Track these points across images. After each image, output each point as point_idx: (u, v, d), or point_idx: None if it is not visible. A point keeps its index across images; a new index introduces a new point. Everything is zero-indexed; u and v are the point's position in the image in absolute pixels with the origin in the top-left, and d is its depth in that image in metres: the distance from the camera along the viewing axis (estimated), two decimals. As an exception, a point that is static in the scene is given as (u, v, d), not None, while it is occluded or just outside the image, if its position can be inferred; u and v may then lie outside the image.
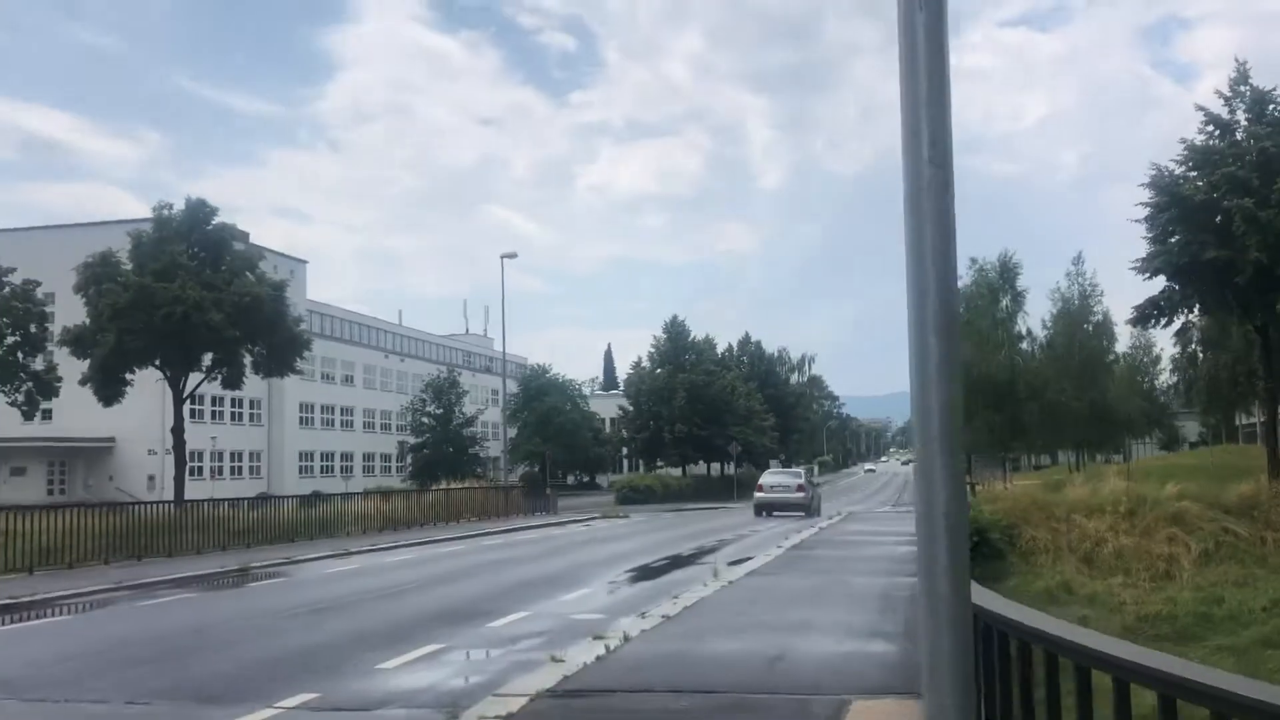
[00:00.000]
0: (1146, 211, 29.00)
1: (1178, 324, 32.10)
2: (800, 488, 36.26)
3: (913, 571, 12.66)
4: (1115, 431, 57.39)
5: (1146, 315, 30.14)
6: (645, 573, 17.20)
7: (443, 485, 42.28)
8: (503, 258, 41.55)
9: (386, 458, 78.77)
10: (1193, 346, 44.38)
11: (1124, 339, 57.60)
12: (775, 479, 38.28)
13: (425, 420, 68.16)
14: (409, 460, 68.30)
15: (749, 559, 17.17)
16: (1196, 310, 28.58)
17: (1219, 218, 26.97)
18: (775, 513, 34.63)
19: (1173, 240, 27.90)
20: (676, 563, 18.43)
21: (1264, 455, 44.90)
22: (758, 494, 36.75)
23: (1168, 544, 25.91)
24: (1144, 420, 62.58)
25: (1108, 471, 36.30)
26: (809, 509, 35.20)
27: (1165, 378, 74.44)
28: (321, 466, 71.96)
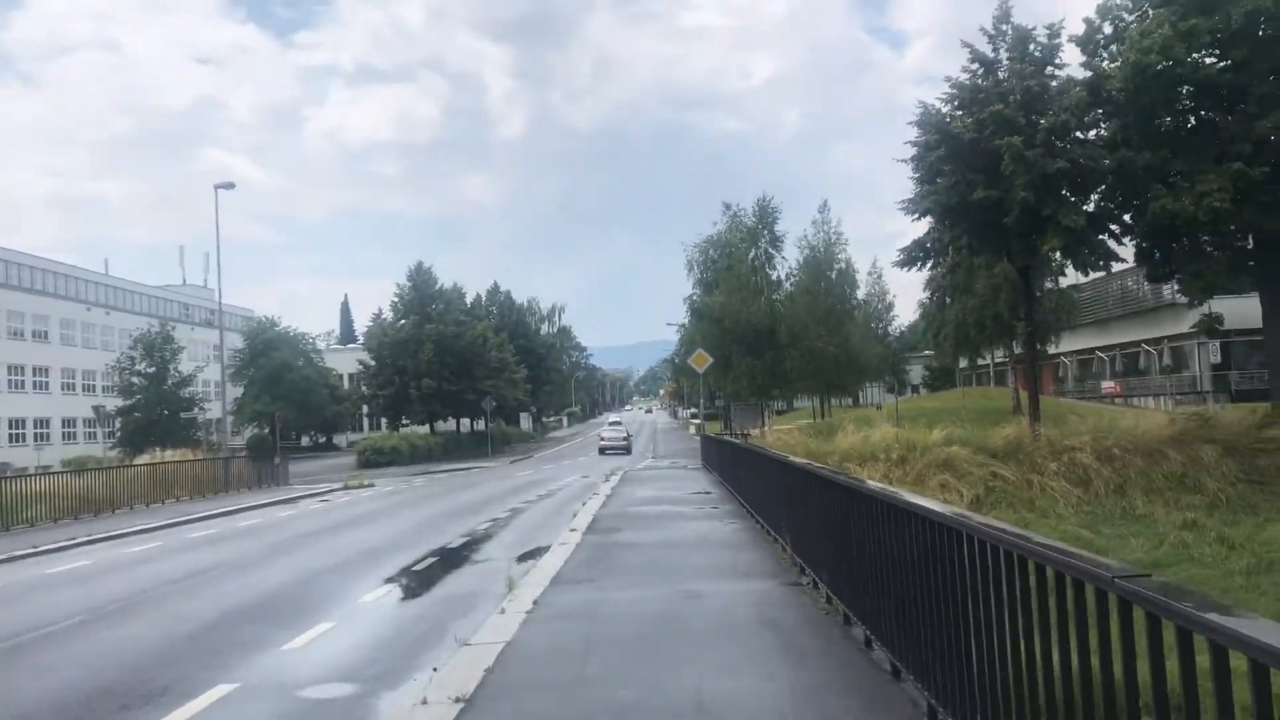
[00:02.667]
0: (914, 151, 28.22)
1: (944, 265, 31.54)
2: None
3: (774, 571, 9.95)
4: (859, 376, 58.76)
5: (913, 257, 29.48)
6: (407, 584, 12.58)
7: (155, 455, 36.89)
8: (217, 188, 35.96)
9: (90, 423, 70.30)
10: (938, 294, 45.16)
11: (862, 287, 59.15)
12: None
13: (135, 380, 60.67)
14: (116, 425, 60.68)
15: (540, 550, 13.24)
16: (965, 251, 28.01)
17: (986, 158, 26.41)
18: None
19: (941, 180, 27.16)
20: (446, 561, 14.10)
21: (1006, 396, 47.03)
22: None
23: (941, 491, 25.28)
24: (882, 365, 64.58)
25: (865, 417, 36.11)
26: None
27: (897, 323, 77.82)
28: (10, 435, 63.01)
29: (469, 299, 77.55)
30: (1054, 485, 25.05)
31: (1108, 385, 55.44)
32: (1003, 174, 25.76)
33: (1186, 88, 26.59)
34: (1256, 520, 23.12)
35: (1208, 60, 26.33)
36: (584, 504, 17.60)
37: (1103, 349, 56.66)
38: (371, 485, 31.69)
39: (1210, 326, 27.58)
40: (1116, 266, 30.95)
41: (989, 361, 63.04)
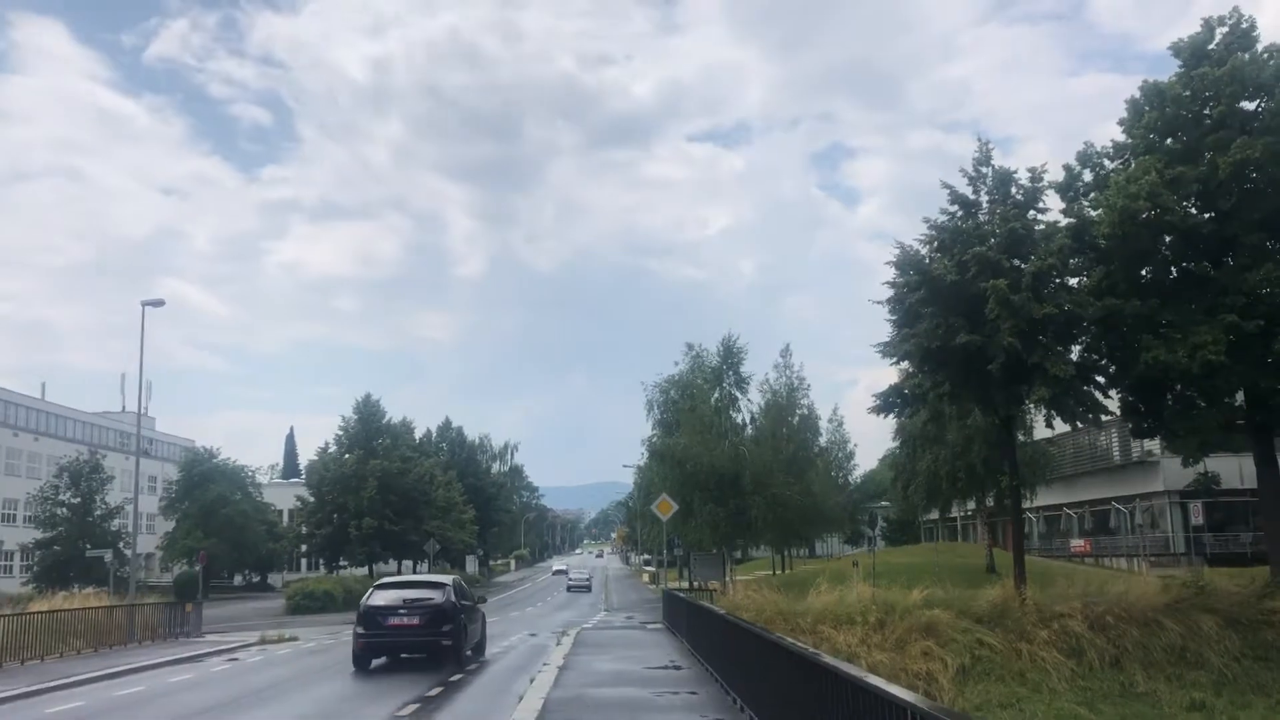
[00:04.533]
0: (891, 292, 26.91)
1: (923, 413, 29.90)
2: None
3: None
4: (821, 526, 56.67)
5: (890, 403, 27.85)
6: None
7: (72, 594, 33.61)
8: (145, 304, 33.33)
9: (9, 555, 65.91)
10: (908, 443, 43.64)
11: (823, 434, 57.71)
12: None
13: (58, 511, 56.97)
14: (35, 560, 56.66)
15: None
16: (946, 398, 26.44)
17: (968, 301, 25.11)
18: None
19: (921, 323, 25.77)
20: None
21: (979, 553, 45.04)
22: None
23: (924, 660, 23.04)
24: (842, 515, 62.66)
25: (838, 572, 33.89)
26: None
27: (858, 473, 76.32)
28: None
29: (419, 434, 74.98)
30: (1045, 655, 22.95)
31: (1076, 544, 53.72)
32: (986, 318, 24.39)
33: (1172, 237, 25.70)
34: (1269, 703, 21.18)
35: (1193, 210, 25.52)
36: (531, 681, 14.75)
37: (1071, 506, 55.16)
38: (294, 640, 28.22)
39: (1207, 485, 25.99)
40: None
41: (956, 515, 61.28)
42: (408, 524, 55.05)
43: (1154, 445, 47.35)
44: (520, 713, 10.94)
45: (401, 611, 18.90)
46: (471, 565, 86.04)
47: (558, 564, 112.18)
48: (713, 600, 25.72)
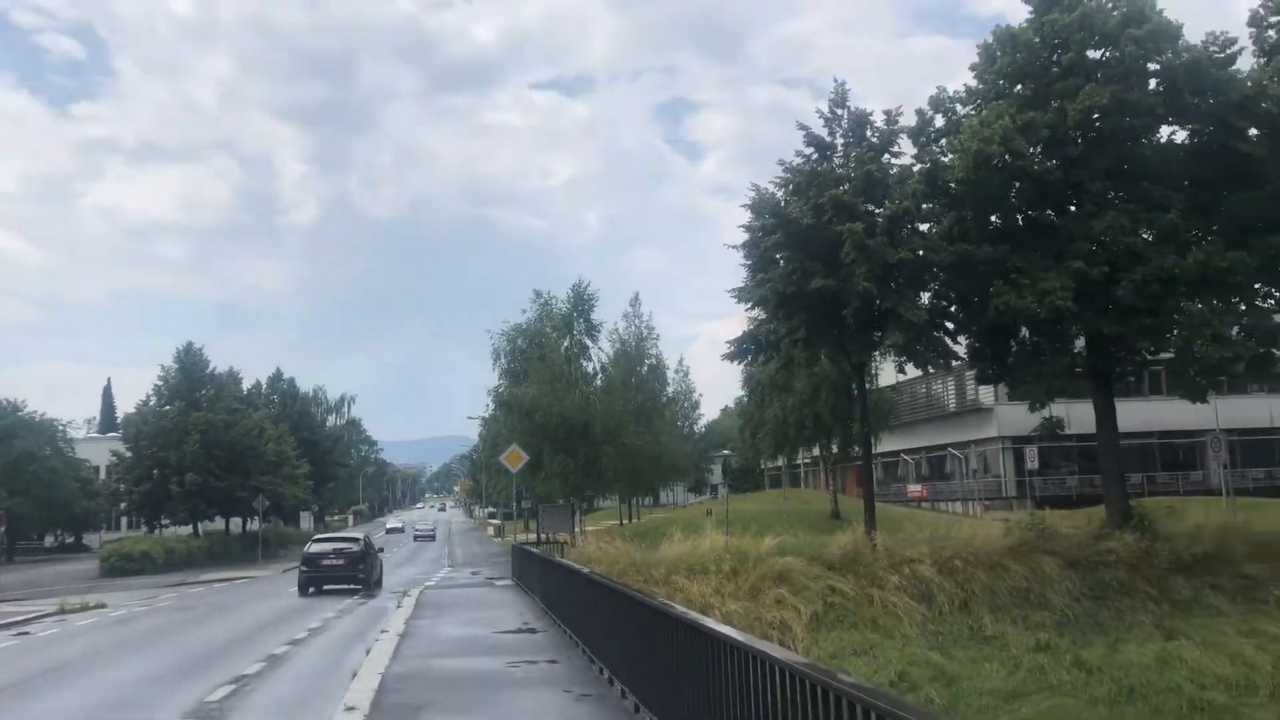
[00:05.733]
0: (746, 236, 26.19)
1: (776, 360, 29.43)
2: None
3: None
4: (668, 475, 56.58)
5: (745, 349, 27.26)
6: None
7: None
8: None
9: None
10: (757, 391, 43.58)
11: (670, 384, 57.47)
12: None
13: None
14: None
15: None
16: (801, 344, 25.98)
17: (823, 245, 24.60)
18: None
19: (777, 267, 25.19)
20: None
21: (823, 499, 45.51)
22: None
23: (778, 608, 22.68)
24: (689, 464, 62.81)
25: (691, 520, 33.45)
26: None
27: (703, 423, 76.66)
28: None
29: (247, 386, 71.06)
30: (896, 601, 22.88)
31: (914, 489, 55.16)
32: (842, 263, 23.94)
33: (1022, 183, 25.74)
34: (1108, 640, 21.59)
35: (1042, 157, 25.59)
36: (368, 652, 13.16)
37: (908, 452, 56.54)
38: (101, 607, 25.43)
39: (1052, 430, 26.42)
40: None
41: (800, 462, 62.09)
42: (234, 479, 51.91)
43: (988, 392, 48.88)
44: (353, 695, 9.49)
45: (331, 556, 29.32)
46: (306, 521, 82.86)
47: (393, 521, 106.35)
48: (563, 553, 24.69)
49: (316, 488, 77.34)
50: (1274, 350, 25.09)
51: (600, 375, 44.84)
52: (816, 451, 46.37)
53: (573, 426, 37.65)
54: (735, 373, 42.64)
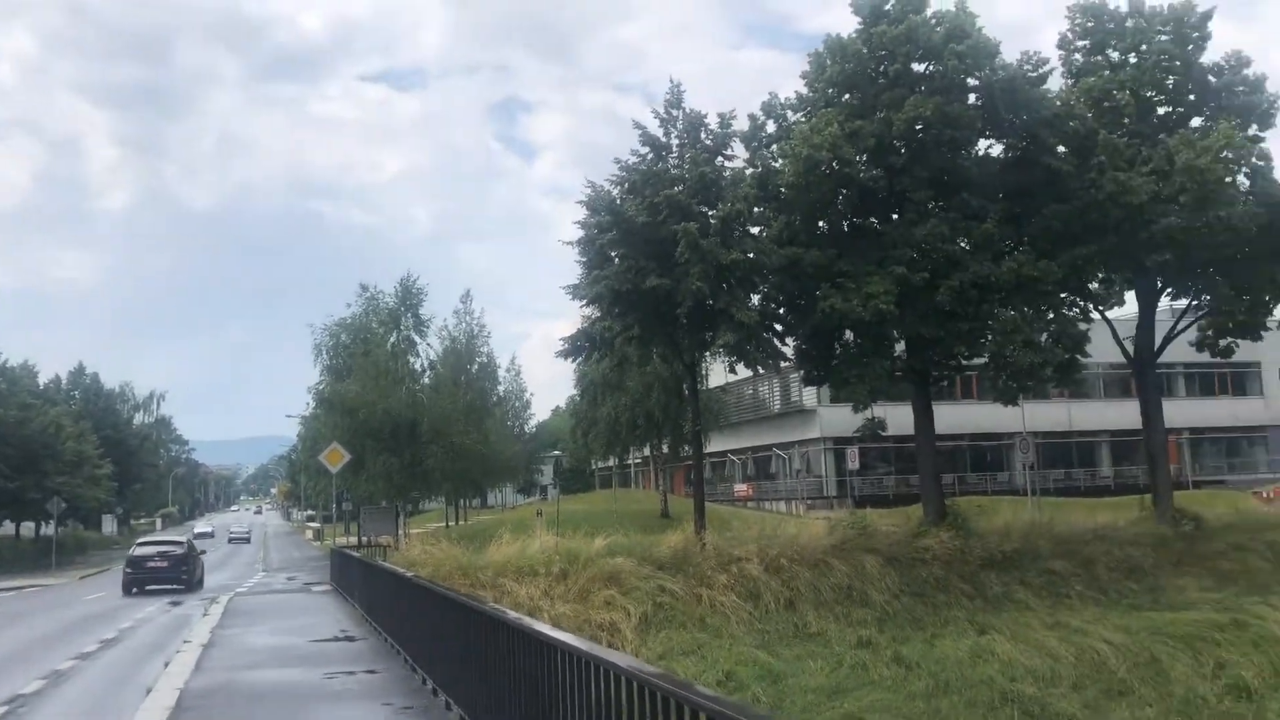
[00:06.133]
0: (582, 234, 25.90)
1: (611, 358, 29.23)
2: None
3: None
4: (497, 475, 55.74)
5: (579, 347, 26.94)
6: None
7: None
8: None
9: None
10: (590, 390, 43.43)
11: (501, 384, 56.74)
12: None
13: None
14: None
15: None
16: (635, 342, 25.87)
17: (658, 244, 24.56)
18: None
19: (612, 265, 25.00)
20: None
21: (654, 499, 45.67)
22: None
23: (607, 610, 22.42)
24: (519, 465, 62.14)
25: (521, 521, 32.90)
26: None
27: (533, 423, 76.11)
28: None
29: (44, 380, 66.29)
30: (724, 600, 22.93)
31: (740, 488, 56.16)
32: (677, 262, 23.94)
33: (849, 190, 26.36)
34: (925, 636, 22.22)
35: (868, 165, 26.25)
36: (166, 665, 12.10)
37: (735, 452, 57.52)
38: None
39: (874, 431, 27.13)
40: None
41: (630, 462, 62.31)
42: (28, 480, 48.20)
43: (811, 395, 50.19)
44: (145, 716, 8.61)
45: (156, 558, 30.97)
46: (109, 525, 77.98)
47: (203, 525, 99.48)
48: (385, 557, 23.79)
49: (121, 490, 72.82)
50: (1078, 356, 26.48)
51: (429, 372, 43.75)
52: (647, 451, 46.55)
53: (398, 425, 36.54)
54: (568, 373, 42.53)
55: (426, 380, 42.69)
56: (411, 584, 11.62)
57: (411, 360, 41.72)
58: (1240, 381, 57.48)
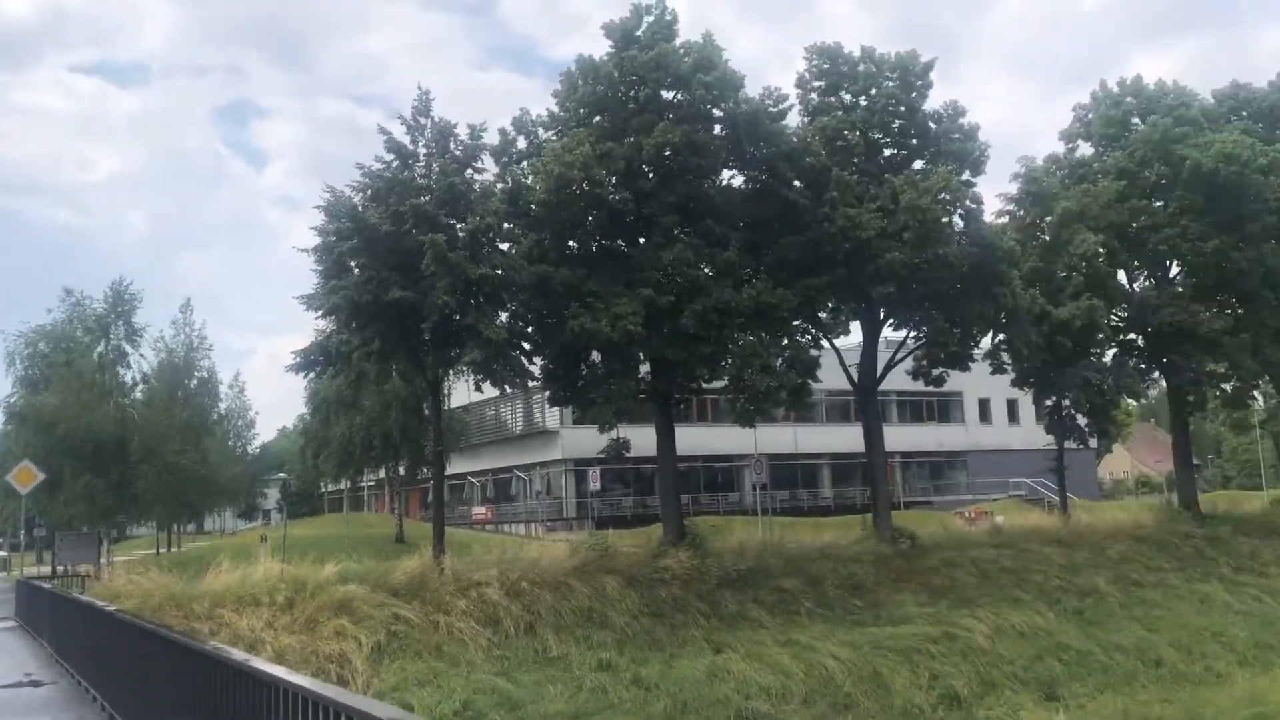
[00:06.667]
0: (320, 240, 24.50)
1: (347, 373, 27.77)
2: None
3: None
4: (218, 499, 52.23)
5: (312, 361, 25.40)
6: None
7: None
8: None
9: None
10: (312, 413, 41.43)
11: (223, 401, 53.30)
12: None
13: None
14: None
15: None
16: (375, 357, 24.68)
17: (403, 255, 23.60)
18: None
19: (352, 275, 23.78)
20: None
21: (389, 523, 43.85)
22: None
23: (337, 640, 21.15)
24: (240, 487, 58.55)
25: (243, 547, 30.67)
26: None
27: (257, 443, 72.00)
28: None
29: None
30: (462, 626, 22.16)
31: (479, 511, 55.22)
32: (422, 274, 23.08)
33: (599, 211, 26.36)
34: (664, 656, 22.33)
35: (617, 187, 26.38)
36: None
37: (475, 474, 56.56)
38: None
39: (619, 451, 27.17)
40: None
41: (364, 485, 60.00)
42: None
43: (554, 416, 50.09)
44: None
45: None
46: None
47: None
48: (84, 588, 21.42)
49: None
50: (809, 381, 27.61)
51: (141, 386, 40.25)
52: (383, 473, 44.87)
53: (103, 442, 33.33)
54: (297, 391, 40.27)
55: (138, 394, 39.26)
56: (112, 618, 10.25)
57: (122, 372, 38.26)
58: (945, 409, 62.41)
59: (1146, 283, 37.94)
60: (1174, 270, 37.29)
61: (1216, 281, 35.50)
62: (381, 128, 25.15)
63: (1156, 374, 39.19)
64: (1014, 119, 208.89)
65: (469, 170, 25.51)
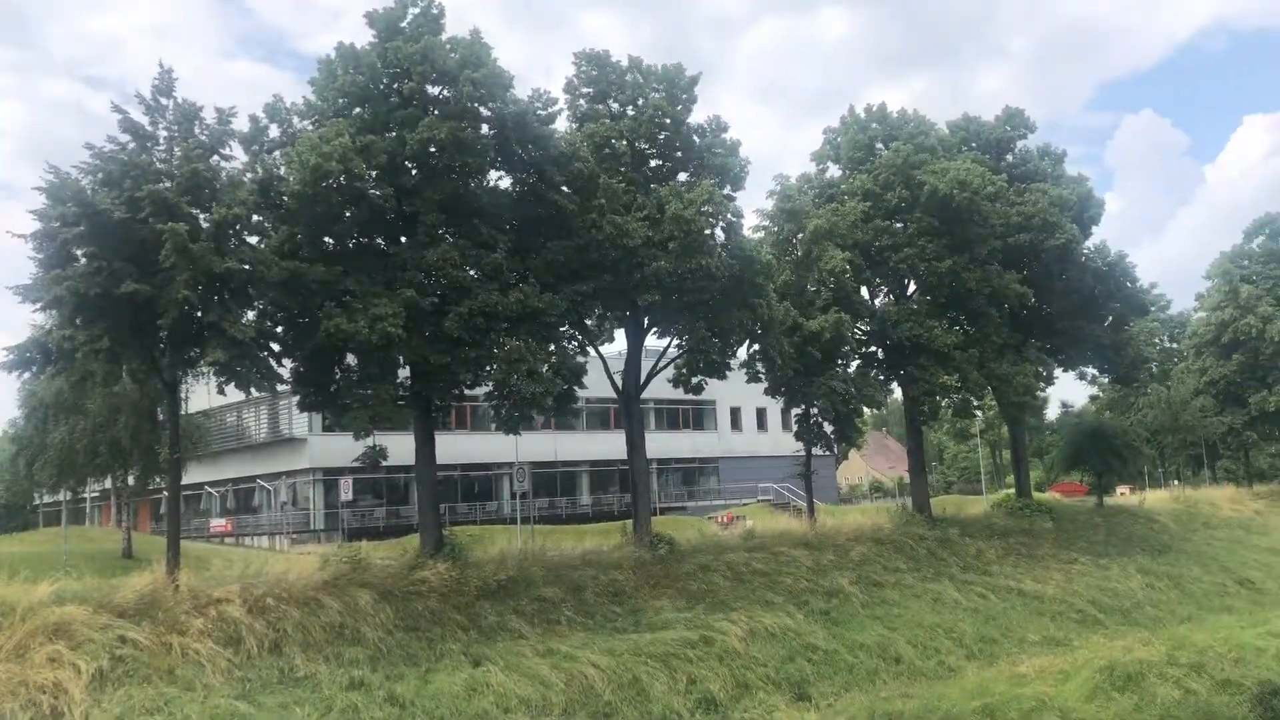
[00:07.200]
0: (40, 225, 22.05)
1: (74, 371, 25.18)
2: None
3: None
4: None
5: (29, 359, 22.79)
6: None
7: None
8: None
9: None
10: (25, 417, 37.70)
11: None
12: None
13: None
14: None
15: None
16: (104, 355, 22.40)
17: (138, 245, 21.61)
18: None
19: (80, 265, 21.56)
20: None
21: (113, 538, 40.19)
22: None
23: (51, 668, 19.10)
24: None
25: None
26: None
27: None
28: None
29: None
30: (199, 647, 20.54)
31: (218, 523, 51.83)
32: (160, 267, 21.22)
33: (359, 206, 25.17)
34: (420, 672, 21.51)
35: (378, 182, 25.27)
36: None
37: (214, 484, 53.09)
38: None
39: (376, 459, 25.94)
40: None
41: (86, 496, 55.01)
42: None
43: (302, 423, 47.75)
44: None
45: None
46: None
47: None
48: None
49: None
50: (575, 388, 27.42)
51: None
52: (109, 483, 41.21)
53: None
54: (9, 392, 36.35)
55: None
56: None
57: None
58: (700, 417, 64.21)
59: (887, 299, 40.26)
60: (911, 288, 39.76)
61: (949, 299, 38.12)
62: (116, 106, 22.95)
63: (894, 384, 41.63)
64: (761, 143, 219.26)
65: (215, 157, 23.70)
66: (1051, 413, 70.23)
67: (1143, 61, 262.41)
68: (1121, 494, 55.94)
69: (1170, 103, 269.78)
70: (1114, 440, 47.09)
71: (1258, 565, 42.74)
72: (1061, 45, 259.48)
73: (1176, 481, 74.30)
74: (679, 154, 30.38)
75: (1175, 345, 70.71)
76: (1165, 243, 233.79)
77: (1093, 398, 70.31)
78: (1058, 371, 46.52)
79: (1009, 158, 44.21)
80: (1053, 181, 42.67)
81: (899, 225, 38.28)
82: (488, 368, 25.88)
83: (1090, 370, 49.91)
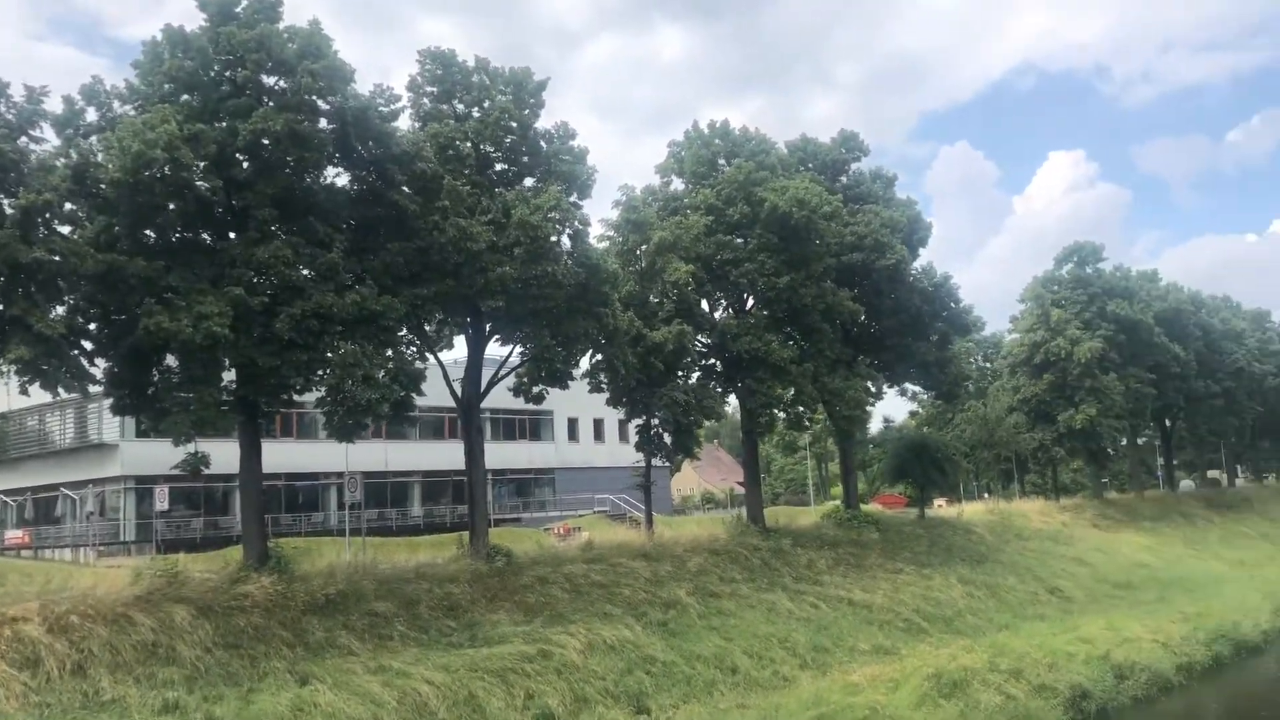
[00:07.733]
0: None
1: None
2: None
3: None
4: None
5: None
6: None
7: None
8: None
9: None
10: None
11: None
12: None
13: None
14: None
15: None
16: None
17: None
18: None
19: None
20: None
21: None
22: None
23: None
24: None
25: None
26: None
27: None
28: None
29: None
30: (-9, 671, 18.82)
31: (14, 535, 48.02)
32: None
33: (184, 198, 23.66)
34: (241, 692, 20.29)
35: (206, 174, 23.86)
36: None
37: (10, 493, 49.25)
38: None
39: (197, 467, 24.34)
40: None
41: None
42: None
43: (113, 428, 44.85)
44: None
45: None
46: None
47: None
48: None
49: None
50: (412, 395, 26.52)
51: None
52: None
53: None
54: None
55: None
56: None
57: None
58: (537, 427, 63.58)
59: (727, 312, 40.77)
60: (750, 302, 40.39)
61: (787, 314, 38.89)
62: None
63: (731, 396, 42.16)
64: (601, 157, 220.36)
65: (24, 138, 21.92)
66: (874, 427, 72.78)
67: (960, 95, 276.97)
68: (939, 506, 58.28)
69: (983, 136, 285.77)
70: (935, 454, 49.06)
71: (1066, 574, 45.24)
72: (887, 75, 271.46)
73: (989, 494, 78.16)
74: (525, 159, 29.91)
75: (989, 365, 74.43)
76: (976, 269, 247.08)
77: (913, 413, 73.28)
78: (884, 387, 48.08)
79: (844, 179, 45.60)
80: (884, 204, 44.23)
81: (740, 240, 38.81)
82: (320, 372, 24.73)
83: (913, 386, 51.94)
